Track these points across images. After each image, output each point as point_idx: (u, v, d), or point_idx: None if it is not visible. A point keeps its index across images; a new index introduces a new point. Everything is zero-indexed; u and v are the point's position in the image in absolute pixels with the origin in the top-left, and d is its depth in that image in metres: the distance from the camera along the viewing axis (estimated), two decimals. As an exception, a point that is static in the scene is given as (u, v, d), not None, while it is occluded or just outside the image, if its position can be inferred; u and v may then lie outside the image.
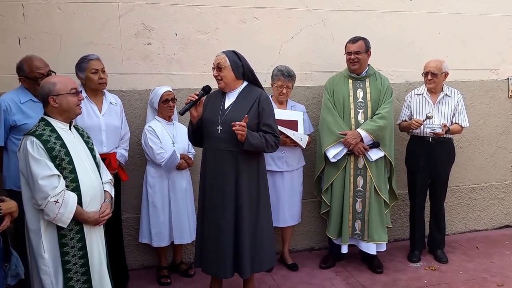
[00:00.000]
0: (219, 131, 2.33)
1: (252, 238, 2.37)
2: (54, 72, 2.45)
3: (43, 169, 1.83)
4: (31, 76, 2.39)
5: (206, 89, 2.37)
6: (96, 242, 2.02)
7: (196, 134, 2.44)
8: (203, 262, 2.44)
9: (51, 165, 1.86)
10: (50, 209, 1.83)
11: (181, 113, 2.33)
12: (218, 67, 2.33)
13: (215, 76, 2.36)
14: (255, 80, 2.45)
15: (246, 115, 2.25)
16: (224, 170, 2.33)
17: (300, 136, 2.94)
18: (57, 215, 1.84)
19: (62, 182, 1.87)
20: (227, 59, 2.33)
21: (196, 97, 2.31)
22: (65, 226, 1.89)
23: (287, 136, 2.89)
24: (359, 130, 2.90)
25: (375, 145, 2.93)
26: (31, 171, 1.83)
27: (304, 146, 2.97)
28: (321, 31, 3.30)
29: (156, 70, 3.04)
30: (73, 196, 1.89)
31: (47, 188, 1.82)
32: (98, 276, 2.02)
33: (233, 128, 2.19)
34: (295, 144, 2.94)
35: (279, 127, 2.69)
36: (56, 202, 1.83)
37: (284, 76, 2.91)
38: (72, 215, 1.88)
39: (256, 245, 2.39)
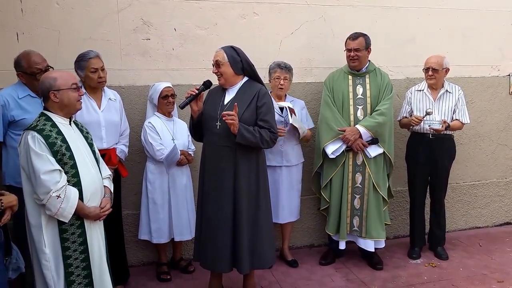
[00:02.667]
0: (217, 127, 2.32)
1: (251, 233, 2.37)
2: (52, 68, 2.43)
3: (45, 164, 1.83)
4: (29, 71, 2.38)
5: (207, 84, 2.37)
6: (96, 237, 2.02)
7: (197, 129, 2.45)
8: (201, 256, 2.44)
9: (52, 160, 1.85)
10: (52, 204, 1.83)
11: (181, 107, 2.33)
12: (216, 64, 2.33)
13: (215, 73, 2.36)
14: (254, 75, 2.44)
15: (236, 104, 2.24)
16: (222, 165, 2.33)
17: (299, 123, 2.86)
18: (58, 210, 1.84)
19: (64, 177, 1.87)
20: (225, 55, 2.32)
21: (196, 92, 2.31)
22: (67, 221, 1.89)
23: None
24: (357, 126, 2.89)
25: (374, 141, 2.92)
26: (33, 166, 1.83)
27: (302, 132, 2.88)
28: (321, 27, 3.28)
29: (155, 66, 3.02)
30: (74, 191, 1.90)
31: (49, 183, 1.82)
32: (98, 271, 2.02)
33: (223, 118, 2.18)
34: (294, 130, 2.85)
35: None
36: (58, 197, 1.83)
37: (281, 67, 2.90)
38: (73, 210, 1.88)
39: (255, 240, 2.38)
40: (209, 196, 2.38)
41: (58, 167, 1.86)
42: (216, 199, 2.35)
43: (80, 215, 1.94)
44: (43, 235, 1.88)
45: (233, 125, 2.19)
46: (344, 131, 2.88)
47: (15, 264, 1.83)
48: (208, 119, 2.37)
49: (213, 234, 2.36)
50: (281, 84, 2.92)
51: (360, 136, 2.88)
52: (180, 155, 2.77)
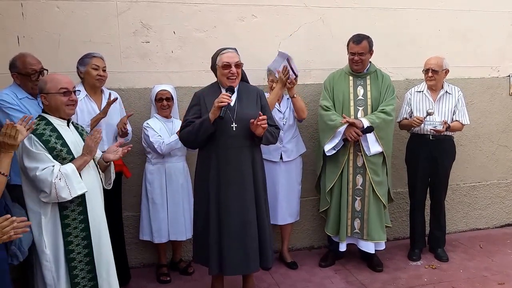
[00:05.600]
0: (234, 129, 2.32)
1: (268, 230, 2.45)
2: (47, 70, 2.46)
3: (44, 161, 1.86)
4: (23, 72, 2.40)
5: (232, 89, 2.33)
6: (103, 237, 2.04)
7: (205, 136, 2.32)
8: (227, 264, 2.35)
9: (50, 157, 1.88)
10: (60, 189, 1.85)
11: (222, 117, 2.22)
12: (237, 65, 2.34)
13: (232, 74, 2.32)
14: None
15: (258, 112, 2.31)
16: (243, 167, 2.34)
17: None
18: (69, 189, 1.87)
19: (57, 164, 1.89)
20: (239, 56, 2.39)
21: (229, 99, 2.23)
22: (86, 190, 1.92)
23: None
24: (361, 119, 2.87)
25: (369, 129, 2.82)
26: (31, 167, 1.85)
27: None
28: (320, 28, 3.28)
29: (154, 69, 3.04)
30: (67, 165, 1.91)
31: (46, 175, 1.84)
32: (105, 273, 2.05)
33: (258, 123, 2.21)
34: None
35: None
36: (60, 179, 1.85)
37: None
38: (79, 178, 1.91)
39: (268, 236, 2.46)
40: (230, 201, 2.33)
41: (55, 163, 1.89)
42: (240, 201, 2.33)
43: (85, 163, 1.95)
44: (43, 236, 1.90)
45: (264, 128, 2.25)
46: (347, 122, 2.82)
47: (13, 250, 1.84)
48: (220, 122, 2.30)
49: (243, 236, 2.34)
50: (272, 88, 2.93)
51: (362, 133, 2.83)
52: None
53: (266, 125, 2.26)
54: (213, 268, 2.37)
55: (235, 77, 2.34)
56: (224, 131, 2.32)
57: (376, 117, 2.87)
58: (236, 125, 2.31)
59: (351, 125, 2.83)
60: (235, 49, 2.42)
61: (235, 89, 2.39)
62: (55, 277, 1.92)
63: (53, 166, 1.87)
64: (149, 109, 2.99)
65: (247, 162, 2.35)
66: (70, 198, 1.89)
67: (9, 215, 1.55)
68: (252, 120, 2.24)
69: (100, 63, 2.57)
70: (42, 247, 1.91)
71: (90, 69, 2.55)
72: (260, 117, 2.23)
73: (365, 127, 2.82)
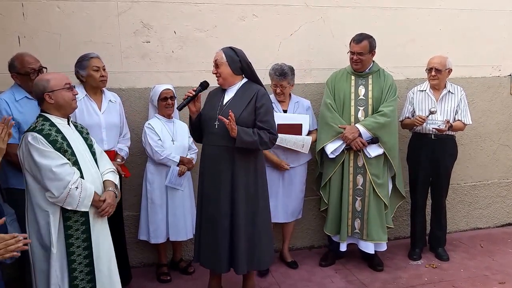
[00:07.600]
0: (216, 127, 2.34)
1: (249, 235, 2.37)
2: (46, 68, 2.46)
3: (55, 158, 1.85)
4: (22, 71, 2.40)
5: (204, 85, 2.40)
6: (103, 236, 2.04)
7: (195, 130, 2.47)
8: (201, 256, 2.46)
9: (60, 154, 1.88)
10: (72, 196, 1.86)
11: (179, 109, 2.38)
12: (215, 64, 2.36)
13: (214, 73, 2.39)
14: (254, 76, 2.45)
15: (230, 110, 2.24)
16: (221, 165, 2.34)
17: (302, 142, 2.91)
18: (79, 201, 1.88)
19: (76, 169, 1.90)
20: (223, 55, 2.35)
21: (194, 93, 2.34)
22: (87, 209, 1.93)
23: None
24: (357, 125, 2.88)
25: (374, 141, 2.89)
26: (38, 164, 1.84)
27: (306, 152, 2.95)
28: (320, 28, 3.28)
29: (155, 68, 3.04)
30: (90, 185, 1.93)
31: (64, 175, 1.84)
32: (107, 272, 2.04)
33: (223, 120, 2.21)
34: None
35: (281, 135, 2.74)
36: (77, 188, 1.86)
37: (276, 75, 2.89)
38: (91, 199, 1.93)
39: (253, 242, 2.39)
40: (208, 196, 2.39)
41: (67, 160, 1.89)
42: (214, 199, 2.36)
43: (94, 204, 1.96)
44: (52, 234, 1.89)
45: (232, 130, 2.21)
46: (344, 128, 2.88)
47: None
48: (207, 120, 2.40)
49: (212, 234, 2.37)
50: (277, 93, 2.94)
51: (360, 135, 2.86)
52: (179, 163, 2.79)
53: (233, 124, 2.18)
54: (195, 256, 2.51)
55: (217, 76, 2.37)
56: (208, 129, 2.39)
57: (373, 120, 2.87)
58: (218, 123, 2.33)
59: (354, 132, 2.85)
60: (229, 47, 2.38)
61: (234, 88, 2.38)
62: (59, 276, 1.92)
63: (72, 169, 1.88)
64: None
65: (226, 161, 2.32)
66: (71, 208, 1.89)
67: (16, 234, 1.57)
68: (220, 117, 2.24)
69: (99, 63, 2.56)
70: (50, 246, 1.90)
71: (91, 71, 2.53)
72: (229, 116, 2.18)
73: (363, 136, 2.86)
